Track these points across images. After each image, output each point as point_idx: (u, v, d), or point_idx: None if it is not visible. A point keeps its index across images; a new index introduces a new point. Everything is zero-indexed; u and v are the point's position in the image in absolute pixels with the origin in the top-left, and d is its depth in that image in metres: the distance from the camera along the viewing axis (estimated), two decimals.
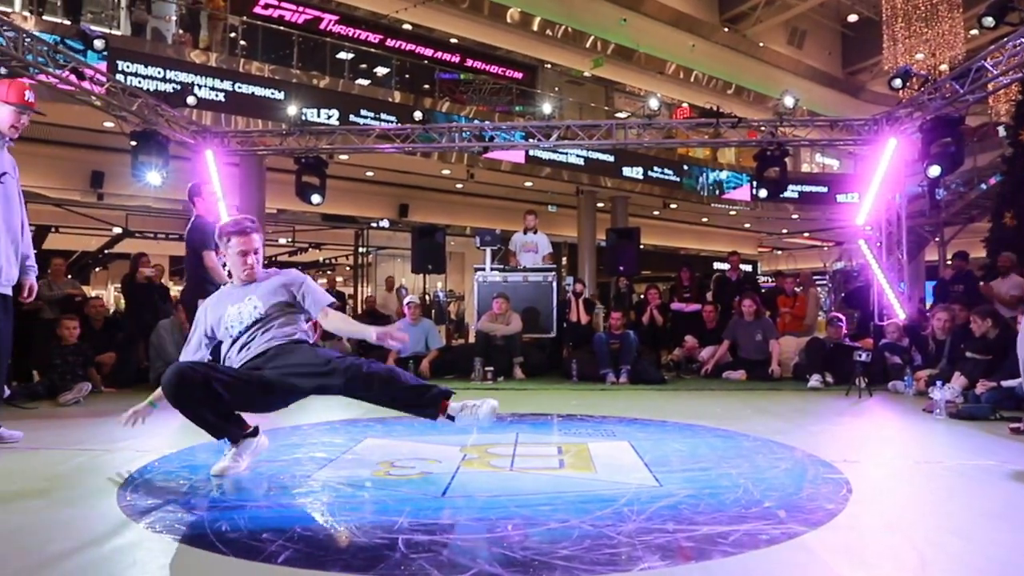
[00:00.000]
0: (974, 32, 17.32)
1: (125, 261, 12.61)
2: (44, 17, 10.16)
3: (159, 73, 10.61)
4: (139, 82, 10.09)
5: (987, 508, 2.54)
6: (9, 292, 3.50)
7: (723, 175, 17.64)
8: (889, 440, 4.34)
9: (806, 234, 22.70)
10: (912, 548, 2.03)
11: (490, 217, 16.04)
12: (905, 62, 16.72)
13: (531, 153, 13.77)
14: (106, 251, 15.64)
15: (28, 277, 3.65)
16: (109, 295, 17.21)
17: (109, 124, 9.48)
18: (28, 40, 6.34)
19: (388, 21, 16.84)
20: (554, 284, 8.36)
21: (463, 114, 14.08)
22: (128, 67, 10.29)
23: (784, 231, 22.63)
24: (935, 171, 7.45)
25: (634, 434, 4.00)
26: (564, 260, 19.08)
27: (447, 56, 18.62)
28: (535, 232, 8.88)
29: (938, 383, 4.90)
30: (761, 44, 22.35)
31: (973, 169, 15.67)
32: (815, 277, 13.01)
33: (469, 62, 18.85)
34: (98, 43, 7.05)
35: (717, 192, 17.56)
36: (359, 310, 12.46)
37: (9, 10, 10.20)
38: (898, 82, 7.71)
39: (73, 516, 2.36)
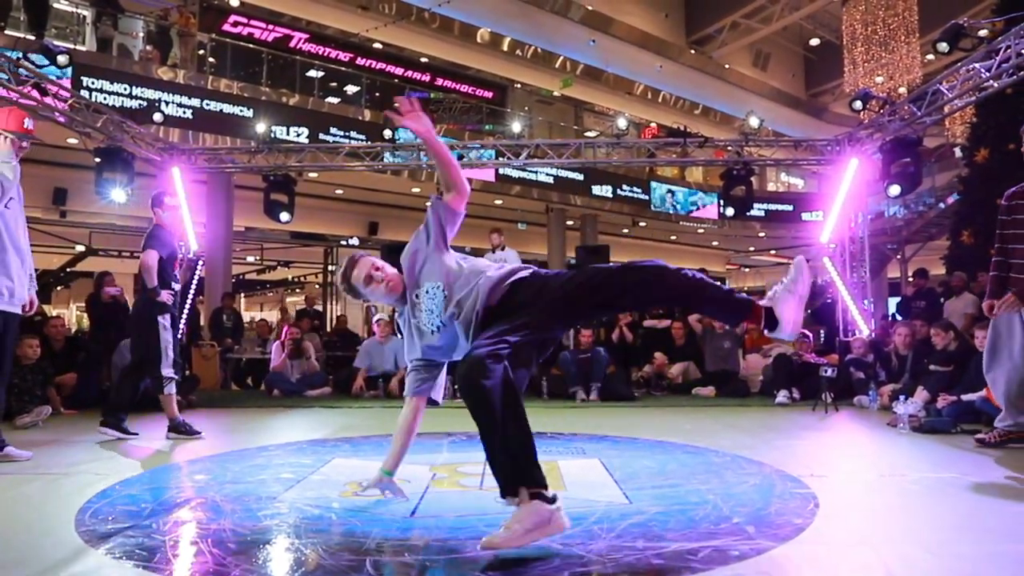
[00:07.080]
0: (930, 57, 17.91)
1: (88, 280, 12.29)
2: (7, 32, 9.97)
3: (125, 89, 10.45)
4: (104, 98, 9.92)
5: (951, 520, 2.58)
6: (18, 311, 3.66)
7: (691, 193, 17.85)
8: (855, 454, 4.41)
9: (773, 252, 23.05)
10: (879, 561, 2.05)
11: (460, 235, 15.43)
12: (865, 85, 17.19)
13: (501, 171, 13.79)
14: (68, 269, 15.29)
15: (30, 292, 3.84)
16: (71, 315, 16.79)
17: (73, 140, 9.29)
18: None
19: (358, 40, 16.85)
20: None
21: None
22: (93, 83, 10.11)
23: (751, 249, 22.93)
24: (895, 190, 7.66)
25: (604, 451, 4.00)
26: None
27: (417, 75, 18.69)
28: (503, 249, 8.87)
29: (901, 397, 5.00)
30: (727, 66, 22.80)
31: (932, 188, 16.13)
32: None
33: (439, 81, 18.94)
34: (62, 59, 6.95)
35: (684, 210, 17.76)
36: (329, 327, 12.31)
37: None
38: (859, 104, 7.89)
39: (29, 543, 2.28)
